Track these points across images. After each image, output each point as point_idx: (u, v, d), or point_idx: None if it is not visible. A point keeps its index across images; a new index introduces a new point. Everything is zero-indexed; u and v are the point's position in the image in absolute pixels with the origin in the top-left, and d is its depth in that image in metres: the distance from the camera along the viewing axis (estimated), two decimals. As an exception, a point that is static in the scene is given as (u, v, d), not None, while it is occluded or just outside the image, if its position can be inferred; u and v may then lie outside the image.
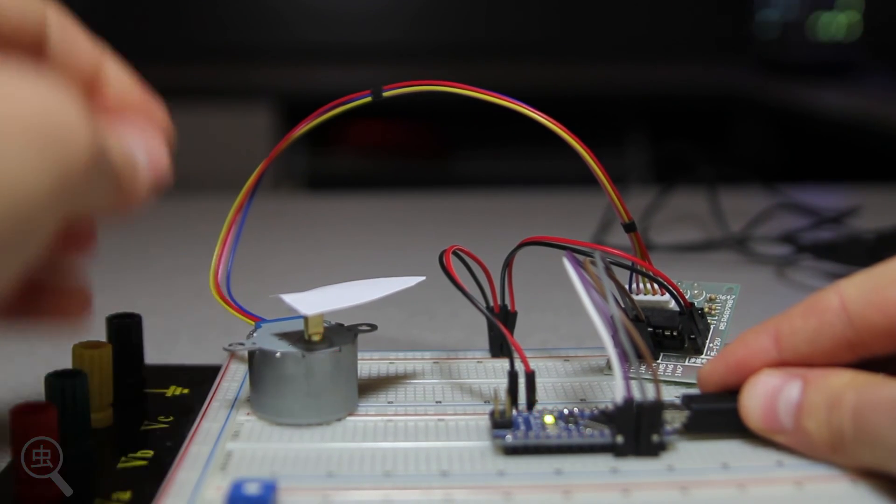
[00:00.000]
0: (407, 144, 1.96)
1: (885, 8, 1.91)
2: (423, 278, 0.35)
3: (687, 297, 0.36)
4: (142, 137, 0.28)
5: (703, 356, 0.36)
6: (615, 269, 0.34)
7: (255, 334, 0.34)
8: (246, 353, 0.33)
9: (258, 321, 0.35)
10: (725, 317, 0.36)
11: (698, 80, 1.92)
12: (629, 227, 0.35)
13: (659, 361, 0.36)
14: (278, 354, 0.32)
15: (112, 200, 0.26)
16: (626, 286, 0.36)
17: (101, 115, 0.26)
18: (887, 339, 0.28)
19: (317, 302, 0.33)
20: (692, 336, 0.35)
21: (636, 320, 0.35)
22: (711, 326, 0.36)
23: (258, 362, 0.32)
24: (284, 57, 2.07)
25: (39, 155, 0.21)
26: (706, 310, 0.36)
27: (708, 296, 0.37)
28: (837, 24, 1.86)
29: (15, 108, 0.21)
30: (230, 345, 0.33)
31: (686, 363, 0.36)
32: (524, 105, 0.35)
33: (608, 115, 1.89)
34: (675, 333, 0.35)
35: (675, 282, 0.35)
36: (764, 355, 0.31)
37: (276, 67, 2.02)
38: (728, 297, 0.37)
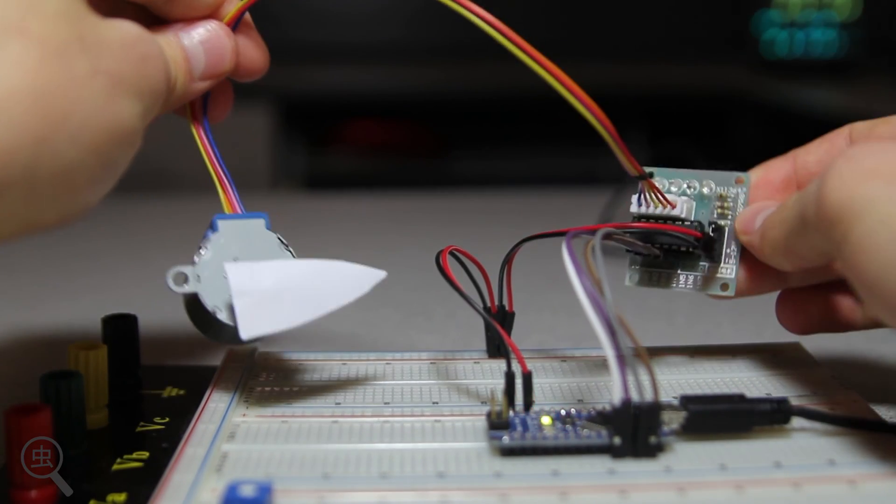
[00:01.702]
0: (405, 144, 1.96)
1: (885, 8, 1.91)
2: (384, 274, 0.34)
3: (696, 201, 0.36)
4: (196, 30, 0.33)
5: (722, 264, 0.36)
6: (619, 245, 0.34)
7: (207, 250, 0.33)
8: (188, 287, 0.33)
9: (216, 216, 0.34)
10: (738, 210, 0.36)
11: (697, 79, 1.92)
12: (641, 178, 0.35)
13: (679, 272, 0.36)
14: (217, 315, 0.33)
15: (179, 100, 0.33)
16: (637, 202, 0.36)
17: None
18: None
19: (257, 321, 0.32)
20: (710, 253, 0.36)
21: (652, 256, 0.36)
22: (726, 229, 0.36)
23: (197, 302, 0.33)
24: (283, 57, 2.07)
25: (140, 96, 0.28)
26: (719, 210, 0.36)
27: (718, 192, 0.36)
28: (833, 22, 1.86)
29: (125, 65, 0.28)
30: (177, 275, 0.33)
31: (705, 273, 0.36)
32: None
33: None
34: (690, 250, 0.36)
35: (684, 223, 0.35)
36: (783, 173, 0.35)
37: (275, 67, 2.01)
38: (739, 189, 0.36)
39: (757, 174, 0.36)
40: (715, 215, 0.36)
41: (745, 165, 0.36)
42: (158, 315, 0.52)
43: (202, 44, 0.33)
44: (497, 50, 0.34)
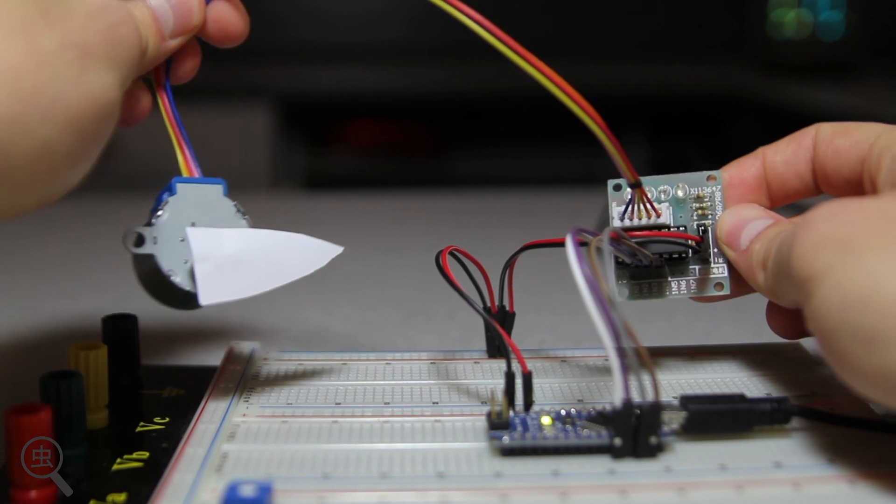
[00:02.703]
0: (405, 144, 1.96)
1: (885, 8, 1.91)
2: (341, 249, 0.34)
3: (673, 205, 0.35)
4: None
5: (713, 264, 0.36)
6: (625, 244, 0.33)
7: (165, 212, 0.33)
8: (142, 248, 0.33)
9: (172, 180, 0.34)
10: (718, 209, 0.36)
11: (698, 79, 1.92)
12: (635, 185, 0.35)
13: (669, 280, 0.36)
14: (172, 278, 0.32)
15: (153, 61, 0.33)
16: (622, 214, 0.35)
17: None
18: (848, 165, 0.33)
19: (217, 287, 0.32)
20: (704, 257, 0.36)
21: (652, 265, 0.35)
22: (709, 227, 0.36)
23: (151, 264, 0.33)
24: (283, 57, 2.07)
25: (113, 65, 0.28)
26: (699, 211, 0.36)
27: (694, 194, 0.36)
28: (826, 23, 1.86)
29: (99, 38, 0.28)
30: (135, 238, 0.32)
31: (696, 277, 0.36)
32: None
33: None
34: (683, 256, 0.35)
35: (676, 229, 0.36)
36: (754, 171, 0.35)
37: (275, 67, 2.02)
38: (714, 187, 0.36)
39: (729, 172, 0.36)
40: (695, 216, 0.36)
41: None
42: (158, 315, 0.52)
43: (168, 1, 0.33)
44: (497, 51, 0.34)
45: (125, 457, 0.32)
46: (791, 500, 0.27)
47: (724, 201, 0.36)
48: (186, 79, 0.36)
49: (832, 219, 0.28)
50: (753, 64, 1.92)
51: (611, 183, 0.36)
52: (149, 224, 0.33)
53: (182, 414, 0.35)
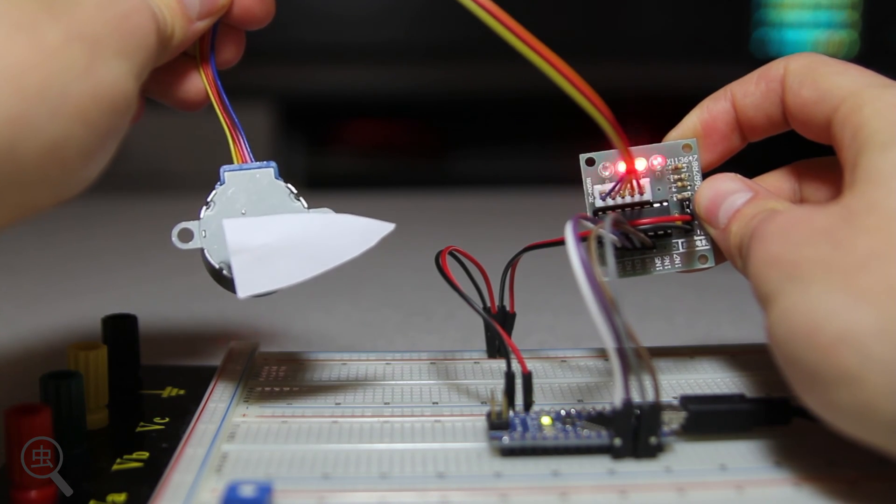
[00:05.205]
0: (405, 144, 1.96)
1: (885, 8, 1.91)
2: (392, 227, 0.34)
3: (651, 178, 0.35)
4: None
5: (696, 236, 0.35)
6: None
7: (213, 204, 0.33)
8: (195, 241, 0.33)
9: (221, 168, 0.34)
10: (697, 179, 0.35)
11: (698, 80, 1.92)
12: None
13: (654, 256, 0.35)
14: (224, 272, 0.33)
15: (182, 44, 0.32)
16: (601, 197, 0.35)
17: None
18: (816, 122, 0.31)
19: (256, 278, 0.31)
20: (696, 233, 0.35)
21: (644, 248, 0.35)
22: (690, 199, 0.35)
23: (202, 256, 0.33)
24: (283, 57, 2.07)
25: (125, 55, 0.28)
26: (679, 184, 0.35)
27: (673, 164, 0.35)
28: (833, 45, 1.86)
29: (113, 25, 0.27)
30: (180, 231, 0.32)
31: (680, 251, 0.35)
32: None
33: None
34: (669, 231, 0.35)
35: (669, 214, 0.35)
36: (725, 117, 0.35)
37: (275, 67, 2.02)
38: (690, 157, 0.35)
39: (700, 118, 0.35)
40: (674, 189, 0.35)
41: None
42: (158, 315, 0.52)
43: None
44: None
45: (125, 457, 0.32)
46: (791, 501, 0.27)
47: (699, 150, 0.35)
48: (231, 63, 0.36)
49: (783, 238, 0.28)
50: (752, 64, 1.93)
51: (583, 157, 0.35)
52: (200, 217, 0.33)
53: (182, 414, 0.35)
